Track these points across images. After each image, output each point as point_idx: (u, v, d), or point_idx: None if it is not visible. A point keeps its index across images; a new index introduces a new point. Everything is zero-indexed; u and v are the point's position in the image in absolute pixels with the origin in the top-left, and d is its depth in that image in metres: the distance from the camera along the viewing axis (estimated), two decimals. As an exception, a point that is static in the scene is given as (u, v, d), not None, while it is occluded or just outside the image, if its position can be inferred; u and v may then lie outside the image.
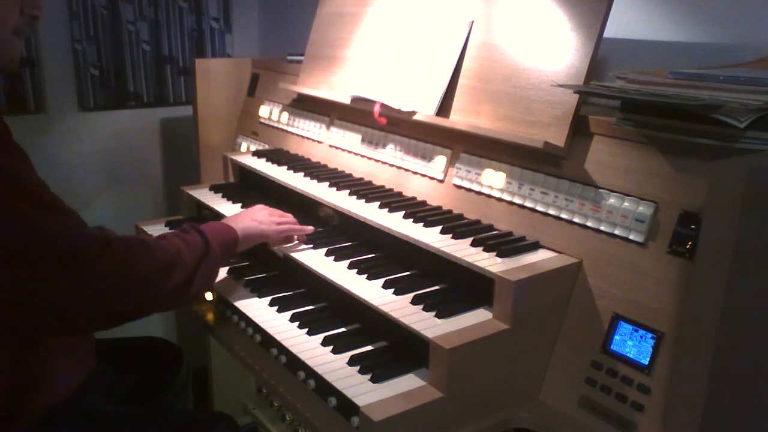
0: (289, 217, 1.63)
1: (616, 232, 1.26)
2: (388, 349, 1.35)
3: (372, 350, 1.34)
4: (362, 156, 1.87)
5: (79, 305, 1.18)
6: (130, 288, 1.24)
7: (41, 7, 1.27)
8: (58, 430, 1.31)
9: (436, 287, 1.39)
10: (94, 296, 1.18)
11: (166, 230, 1.86)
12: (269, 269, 1.72)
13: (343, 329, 1.42)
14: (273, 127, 2.27)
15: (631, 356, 1.20)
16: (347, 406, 1.16)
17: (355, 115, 1.90)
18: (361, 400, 1.14)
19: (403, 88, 1.68)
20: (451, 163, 1.61)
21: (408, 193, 1.70)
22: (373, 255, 1.54)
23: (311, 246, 1.58)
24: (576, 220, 1.33)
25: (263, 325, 1.43)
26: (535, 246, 1.37)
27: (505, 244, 1.34)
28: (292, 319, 1.45)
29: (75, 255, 1.14)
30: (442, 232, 1.43)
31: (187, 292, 1.34)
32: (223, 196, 1.97)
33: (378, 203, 1.60)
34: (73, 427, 1.33)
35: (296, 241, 1.61)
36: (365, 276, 1.41)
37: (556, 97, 1.37)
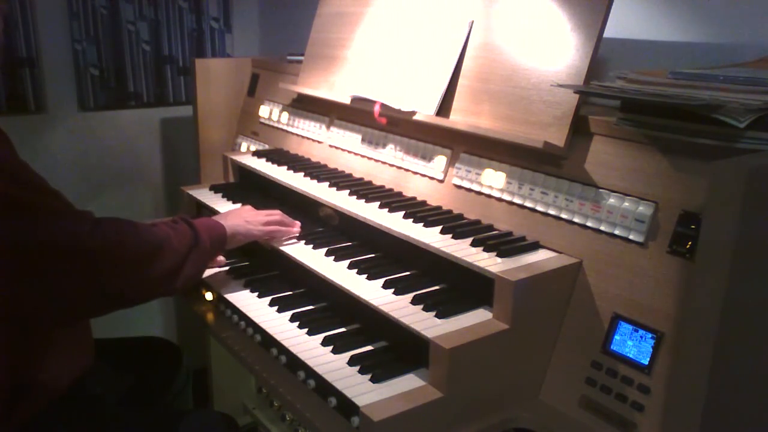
0: (275, 216, 1.63)
1: (616, 232, 1.26)
2: (388, 349, 1.35)
3: (372, 350, 1.34)
4: (362, 156, 1.87)
5: (71, 285, 1.18)
6: (120, 267, 1.24)
7: None
8: (58, 429, 1.31)
9: (436, 287, 1.39)
10: (85, 275, 1.19)
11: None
12: (269, 269, 1.72)
13: (343, 329, 1.42)
14: (273, 127, 2.27)
15: (631, 356, 1.20)
16: (347, 406, 1.16)
17: (355, 115, 1.90)
18: (361, 400, 1.15)
19: (403, 88, 1.68)
20: (451, 163, 1.61)
21: (408, 193, 1.70)
22: (373, 255, 1.54)
23: (311, 246, 1.58)
24: (576, 220, 1.33)
25: (263, 325, 1.43)
26: (535, 246, 1.37)
27: (505, 244, 1.34)
28: (292, 319, 1.45)
29: (66, 235, 1.15)
30: (442, 232, 1.43)
31: (175, 280, 1.35)
32: (223, 196, 1.97)
33: (378, 203, 1.60)
34: (72, 426, 1.33)
35: (285, 240, 1.62)
36: (365, 276, 1.41)
37: (556, 97, 1.37)
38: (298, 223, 1.65)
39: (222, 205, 1.89)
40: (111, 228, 1.24)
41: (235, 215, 1.62)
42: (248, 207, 1.68)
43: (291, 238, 1.63)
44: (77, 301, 1.22)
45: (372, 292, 1.35)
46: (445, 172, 1.62)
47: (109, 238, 1.22)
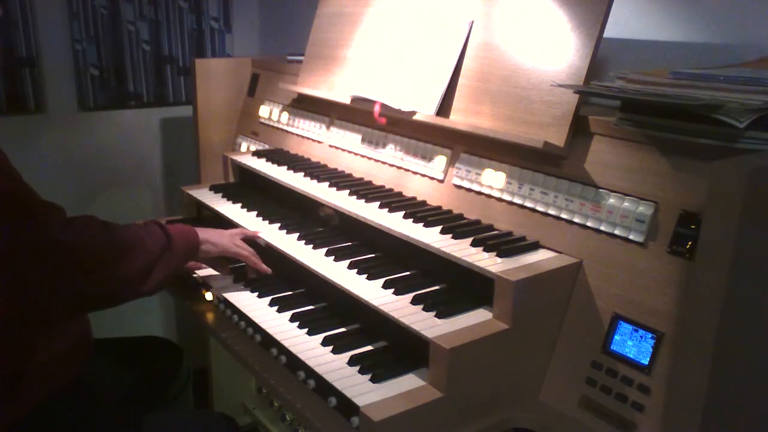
0: (247, 249, 1.61)
1: (616, 232, 1.26)
2: (388, 349, 1.35)
3: (372, 350, 1.34)
4: (362, 156, 1.87)
5: (41, 280, 1.18)
6: (91, 263, 1.24)
7: None
8: (58, 428, 1.31)
9: (436, 287, 1.39)
10: (54, 270, 1.18)
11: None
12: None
13: (343, 329, 1.42)
14: (273, 127, 2.28)
15: (631, 356, 1.20)
16: (347, 406, 1.16)
17: (355, 115, 1.90)
18: (361, 400, 1.15)
19: (403, 88, 1.68)
20: (451, 163, 1.61)
21: (408, 193, 1.70)
22: (373, 255, 1.54)
23: (311, 246, 1.58)
24: (576, 220, 1.33)
25: (263, 325, 1.43)
26: (535, 246, 1.37)
27: (505, 244, 1.34)
28: (292, 319, 1.45)
29: (38, 228, 1.15)
30: (442, 232, 1.43)
31: (145, 281, 1.34)
32: (223, 196, 1.97)
33: (378, 203, 1.60)
34: (72, 425, 1.33)
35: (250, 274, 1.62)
36: (365, 276, 1.41)
37: (556, 97, 1.37)
38: (268, 270, 1.62)
39: (222, 205, 1.89)
40: (82, 224, 1.24)
41: (210, 228, 1.61)
42: (231, 230, 1.66)
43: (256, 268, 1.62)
44: (48, 297, 1.21)
45: (372, 292, 1.35)
46: (445, 172, 1.62)
47: (80, 233, 1.22)
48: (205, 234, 1.55)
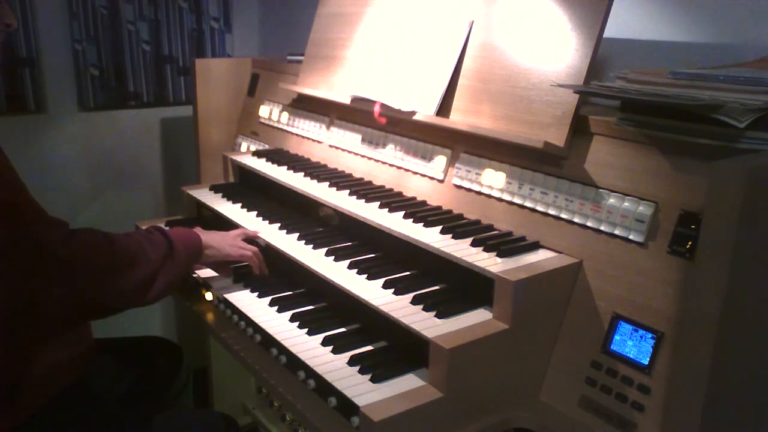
0: (250, 249, 1.63)
1: (616, 232, 1.26)
2: (388, 349, 1.35)
3: (372, 350, 1.34)
4: (362, 156, 1.87)
5: (42, 292, 1.18)
6: (92, 276, 1.25)
7: (12, 16, 1.26)
8: (58, 428, 1.31)
9: (436, 287, 1.39)
10: (56, 283, 1.19)
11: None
12: (269, 269, 1.72)
13: (343, 329, 1.42)
14: (273, 127, 2.28)
15: (631, 356, 1.20)
16: (347, 406, 1.16)
17: (355, 115, 1.90)
18: (361, 400, 1.15)
19: (403, 88, 1.68)
20: (451, 163, 1.61)
21: (408, 193, 1.70)
22: (373, 255, 1.54)
23: (311, 246, 1.58)
24: (576, 220, 1.33)
25: (263, 325, 1.43)
26: (535, 246, 1.37)
27: (505, 244, 1.34)
28: (292, 319, 1.45)
29: (41, 241, 1.16)
30: (442, 232, 1.43)
31: (149, 289, 1.35)
32: (223, 196, 1.97)
33: (378, 203, 1.60)
34: (73, 425, 1.33)
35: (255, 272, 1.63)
36: (365, 276, 1.41)
37: (556, 97, 1.37)
38: (267, 272, 1.65)
39: (222, 205, 1.89)
40: (84, 238, 1.25)
41: (213, 232, 1.62)
42: (236, 230, 1.68)
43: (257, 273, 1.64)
44: (50, 308, 1.22)
45: (372, 292, 1.35)
46: (445, 172, 1.62)
47: (82, 247, 1.23)
48: (208, 238, 1.56)
